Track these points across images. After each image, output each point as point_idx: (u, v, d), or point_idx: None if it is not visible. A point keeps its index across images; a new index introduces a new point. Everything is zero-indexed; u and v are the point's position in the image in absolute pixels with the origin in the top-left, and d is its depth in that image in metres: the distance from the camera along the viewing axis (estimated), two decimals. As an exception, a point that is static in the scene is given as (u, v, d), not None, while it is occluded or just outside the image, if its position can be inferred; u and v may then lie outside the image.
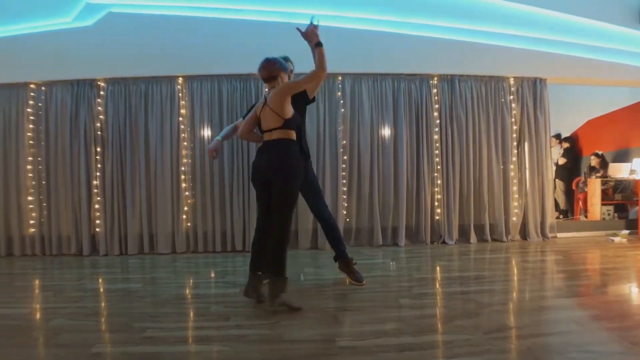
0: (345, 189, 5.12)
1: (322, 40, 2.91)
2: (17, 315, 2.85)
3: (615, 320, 2.57)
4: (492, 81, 5.35)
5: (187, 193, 5.00)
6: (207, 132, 5.02)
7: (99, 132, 4.97)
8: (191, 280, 3.75)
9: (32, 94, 5.05)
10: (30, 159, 5.03)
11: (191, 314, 2.82)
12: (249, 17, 4.95)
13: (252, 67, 4.88)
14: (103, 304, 3.09)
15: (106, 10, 4.88)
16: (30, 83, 5.04)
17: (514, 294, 3.11)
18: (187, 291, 3.42)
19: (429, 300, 3.05)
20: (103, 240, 4.93)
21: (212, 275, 3.98)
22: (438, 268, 3.87)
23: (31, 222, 5.01)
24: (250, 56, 4.93)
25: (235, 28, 4.94)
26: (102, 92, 4.99)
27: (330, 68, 4.94)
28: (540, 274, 3.75)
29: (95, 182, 4.96)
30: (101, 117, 4.98)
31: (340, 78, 5.12)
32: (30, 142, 5.04)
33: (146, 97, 4.99)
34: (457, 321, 2.55)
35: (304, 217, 4.99)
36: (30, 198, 5.01)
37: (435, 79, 5.27)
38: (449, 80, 5.28)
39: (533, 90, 5.43)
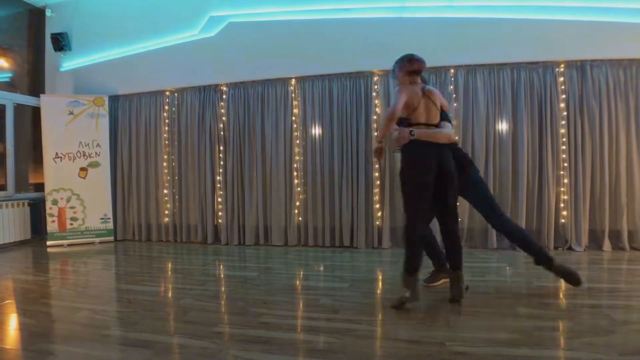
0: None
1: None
2: (154, 292, 3.28)
3: None
4: (634, 65, 4.63)
5: (299, 189, 5.23)
6: (317, 130, 5.19)
7: (221, 132, 5.46)
8: (302, 272, 3.93)
9: (167, 99, 5.73)
10: (165, 157, 5.72)
11: (301, 305, 2.96)
12: (356, 15, 5.00)
13: (360, 65, 5.05)
14: (223, 289, 3.40)
15: (227, 20, 5.34)
16: (166, 90, 5.72)
17: (658, 312, 2.69)
18: (298, 282, 3.59)
19: (551, 311, 2.77)
20: (224, 230, 5.41)
21: (322, 268, 4.12)
22: (562, 279, 3.49)
23: (165, 212, 5.70)
24: (359, 54, 5.04)
25: (343, 27, 5.03)
26: (224, 96, 5.47)
27: (442, 60, 4.87)
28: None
29: (218, 178, 5.47)
30: (223, 118, 5.46)
31: (452, 71, 4.90)
32: (166, 142, 5.73)
33: (262, 99, 5.34)
34: (584, 337, 2.29)
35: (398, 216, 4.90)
36: (165, 191, 5.71)
37: (562, 66, 4.75)
38: (578, 67, 4.71)
39: (687, 73, 4.59)
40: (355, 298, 3.02)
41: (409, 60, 2.93)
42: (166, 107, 5.74)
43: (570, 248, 4.62)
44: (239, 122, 5.41)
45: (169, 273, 4.07)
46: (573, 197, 4.67)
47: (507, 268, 3.93)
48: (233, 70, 5.40)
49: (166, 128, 5.75)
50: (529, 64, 4.78)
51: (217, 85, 5.51)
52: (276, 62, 5.25)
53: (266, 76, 5.32)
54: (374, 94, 5.02)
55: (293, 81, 5.27)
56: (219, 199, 5.47)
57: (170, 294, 3.30)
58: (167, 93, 5.74)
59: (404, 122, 2.88)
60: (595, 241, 4.66)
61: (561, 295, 3.07)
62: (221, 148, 5.48)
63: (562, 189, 4.71)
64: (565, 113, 4.70)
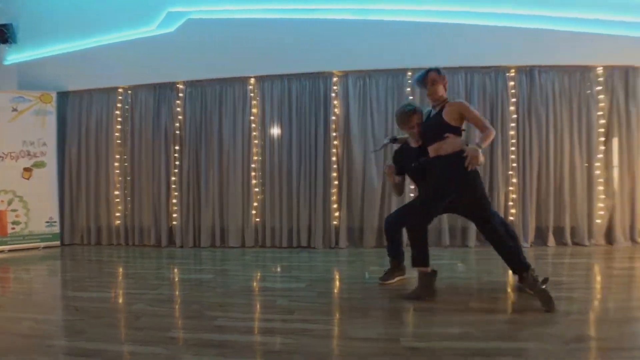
0: (412, 187, 5.01)
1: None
2: (104, 299, 3.13)
3: None
4: (577, 71, 4.93)
5: (256, 189, 5.18)
6: (276, 131, 5.16)
7: (177, 132, 5.31)
8: (259, 274, 3.88)
9: (119, 97, 5.51)
10: (117, 156, 5.50)
11: (258, 306, 2.92)
12: (317, 16, 5.01)
13: (320, 65, 5.06)
14: (178, 292, 3.30)
15: (186, 17, 5.21)
16: (119, 87, 5.50)
17: (597, 303, 2.85)
18: (255, 284, 3.54)
19: (500, 305, 2.89)
20: (179, 232, 5.27)
21: (278, 269, 4.09)
22: (510, 272, 3.63)
23: (117, 214, 5.48)
24: (319, 55, 5.06)
25: (303, 28, 5.03)
26: (180, 94, 5.33)
27: (400, 63, 4.97)
28: (628, 282, 3.39)
29: (173, 178, 5.32)
30: (180, 117, 5.31)
31: (410, 73, 5.01)
32: (118, 141, 5.51)
33: (220, 98, 5.25)
34: (531, 329, 2.39)
35: (369, 215, 4.97)
36: (116, 192, 5.49)
37: (513, 71, 4.97)
38: (527, 72, 4.95)
39: (624, 80, 4.92)
40: (312, 298, 3.01)
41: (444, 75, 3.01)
42: (119, 105, 5.52)
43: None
44: (195, 122, 5.29)
45: (120, 278, 3.90)
46: (521, 196, 4.90)
47: (459, 265, 4.05)
48: (191, 68, 5.27)
49: (118, 127, 5.53)
50: (482, 68, 4.97)
51: (173, 84, 5.36)
52: (235, 61, 5.17)
53: (225, 75, 5.23)
54: (333, 94, 5.05)
55: (252, 80, 5.21)
56: (174, 200, 5.32)
57: (121, 300, 3.16)
58: (121, 90, 5.52)
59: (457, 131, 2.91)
60: (540, 237, 4.91)
61: (509, 290, 3.19)
62: (177, 148, 5.33)
63: (511, 189, 4.93)
64: (515, 116, 4.92)
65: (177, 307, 2.91)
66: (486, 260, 4.25)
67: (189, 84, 5.32)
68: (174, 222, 5.32)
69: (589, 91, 4.93)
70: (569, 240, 4.85)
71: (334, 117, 5.04)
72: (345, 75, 5.05)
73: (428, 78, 2.96)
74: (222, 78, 5.23)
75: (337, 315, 2.69)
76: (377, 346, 2.15)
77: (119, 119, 5.52)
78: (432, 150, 2.95)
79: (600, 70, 4.93)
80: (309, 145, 5.06)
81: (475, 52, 4.92)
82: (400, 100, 4.98)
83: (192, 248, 5.18)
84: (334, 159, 5.04)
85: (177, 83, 5.33)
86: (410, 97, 4.97)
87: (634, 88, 4.90)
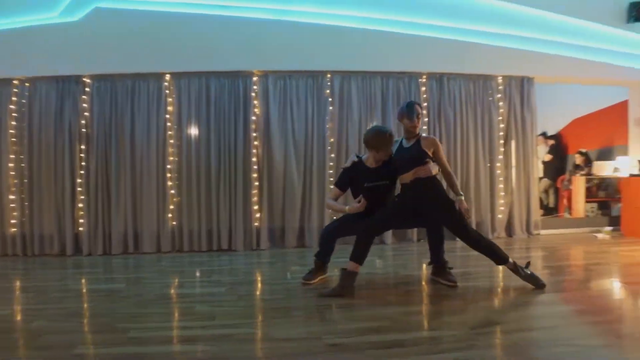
0: (332, 186, 5.11)
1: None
2: (-3, 317, 2.78)
3: (599, 314, 2.60)
4: (481, 80, 5.38)
5: (172, 191, 4.94)
6: (194, 130, 4.97)
7: (83, 130, 4.88)
8: (176, 280, 3.71)
9: (15, 90, 4.93)
10: (12, 156, 4.92)
11: (176, 314, 2.79)
12: (238, 13, 4.91)
13: (240, 64, 4.97)
14: (85, 305, 3.04)
15: (93, 5, 4.80)
16: (14, 79, 4.92)
17: (500, 290, 3.12)
18: (172, 291, 3.38)
19: (416, 297, 3.06)
20: (86, 239, 4.84)
21: (198, 274, 3.94)
22: (424, 265, 3.86)
23: (12, 221, 4.90)
24: (238, 54, 4.97)
25: (222, 25, 4.89)
26: (87, 89, 4.91)
27: (320, 66, 5.05)
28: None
29: (79, 180, 4.87)
30: (86, 114, 4.89)
31: (329, 76, 5.10)
32: (13, 139, 4.93)
33: (132, 94, 4.91)
34: (444, 317, 2.56)
35: (290, 215, 4.98)
36: (12, 197, 4.90)
37: (424, 77, 5.28)
38: (437, 79, 5.30)
39: (520, 89, 5.47)
40: (233, 302, 2.95)
41: None
42: (14, 99, 4.93)
43: (419, 240, 5.12)
44: (104, 119, 4.90)
45: (17, 292, 3.50)
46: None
47: (377, 261, 4.21)
48: (99, 60, 4.84)
49: (13, 123, 4.94)
50: (397, 73, 5.22)
51: (79, 77, 4.90)
52: (149, 56, 4.87)
53: (137, 70, 4.90)
54: (253, 94, 4.98)
55: (167, 77, 4.96)
56: (80, 205, 4.87)
57: (18, 317, 2.83)
58: (16, 82, 4.93)
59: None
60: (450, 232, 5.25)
61: (424, 283, 3.38)
62: (83, 147, 4.90)
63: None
64: (426, 119, 5.23)
65: (84, 321, 2.68)
66: (402, 255, 4.47)
67: (97, 77, 4.91)
68: (81, 229, 4.88)
69: (490, 98, 5.40)
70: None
71: (254, 117, 4.98)
72: (265, 75, 5.01)
73: (416, 110, 3.14)
74: (135, 73, 4.91)
75: (260, 317, 2.67)
76: (300, 345, 2.16)
77: (15, 115, 4.94)
78: (407, 177, 3.09)
79: (500, 79, 5.42)
80: (229, 145, 4.94)
81: (391, 59, 5.16)
82: (321, 102, 5.07)
83: (102, 256, 4.79)
84: (254, 159, 4.98)
85: (84, 76, 4.90)
86: (330, 99, 5.07)
87: (529, 96, 5.47)
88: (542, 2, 5.28)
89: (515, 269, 3.06)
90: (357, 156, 3.41)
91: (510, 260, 3.05)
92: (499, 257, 3.05)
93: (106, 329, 2.46)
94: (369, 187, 3.23)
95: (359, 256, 3.03)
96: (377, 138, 3.21)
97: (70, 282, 3.74)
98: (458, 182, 3.25)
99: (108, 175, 4.89)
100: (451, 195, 3.23)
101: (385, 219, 3.19)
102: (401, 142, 3.21)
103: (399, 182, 3.19)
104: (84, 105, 4.89)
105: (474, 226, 5.22)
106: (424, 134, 3.18)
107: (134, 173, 4.89)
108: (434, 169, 3.12)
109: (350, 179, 3.36)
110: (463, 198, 3.13)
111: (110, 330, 2.45)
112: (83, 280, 3.80)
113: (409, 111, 3.13)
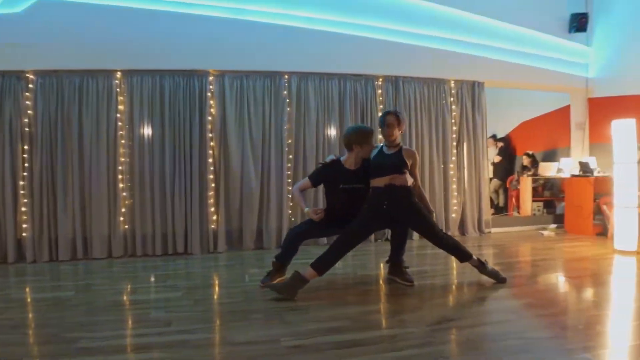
0: (290, 188, 5.10)
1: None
2: None
3: (546, 307, 2.75)
4: (434, 83, 5.54)
5: (124, 194, 4.74)
6: (147, 130, 4.79)
7: (26, 128, 4.59)
8: (129, 286, 3.57)
9: (-53, 85, 4.57)
10: (-56, 157, 4.55)
11: (129, 321, 2.68)
12: (194, 11, 4.80)
13: (195, 63, 4.86)
14: (30, 315, 2.87)
15: (37, -4, 4.53)
16: (-55, 74, 4.56)
17: (455, 287, 3.23)
18: (125, 297, 3.25)
19: (374, 296, 3.11)
20: (30, 245, 4.55)
21: (152, 279, 3.81)
22: (381, 265, 3.92)
23: (-54, 227, 4.54)
24: (194, 52, 4.86)
25: (179, 22, 4.77)
26: (30, 85, 4.62)
27: (277, 66, 5.02)
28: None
29: (21, 183, 4.58)
30: (29, 112, 4.60)
31: (286, 77, 5.08)
32: (-55, 138, 4.57)
33: (80, 92, 4.67)
34: (402, 316, 2.61)
35: (248, 217, 4.92)
36: (-55, 200, 4.54)
37: (380, 80, 5.38)
38: (393, 82, 5.41)
39: (471, 93, 5.69)
40: (190, 307, 2.87)
41: None
42: (-55, 96, 4.58)
43: (387, 239, 5.22)
44: (49, 117, 4.62)
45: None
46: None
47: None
48: (44, 55, 4.57)
49: (-55, 122, 4.58)
50: (354, 75, 5.29)
51: (21, 72, 4.60)
52: (99, 52, 4.64)
53: (86, 66, 4.66)
54: (209, 94, 4.88)
55: (118, 74, 4.76)
56: (23, 208, 4.57)
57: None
58: (-53, 78, 4.58)
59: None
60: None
61: (381, 282, 3.44)
62: (26, 147, 4.60)
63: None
64: (383, 121, 5.32)
65: (29, 332, 2.52)
66: (361, 255, 4.51)
67: (42, 73, 4.64)
68: (24, 234, 4.58)
69: (444, 101, 5.58)
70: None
71: (210, 118, 4.88)
72: (221, 74, 4.92)
73: (386, 120, 3.20)
74: (83, 70, 4.67)
75: (217, 321, 2.62)
76: (259, 349, 2.13)
77: (-53, 113, 4.58)
78: (381, 181, 3.11)
79: (452, 83, 5.62)
80: (184, 145, 4.80)
81: (348, 61, 5.22)
82: (278, 102, 5.04)
83: (48, 262, 4.52)
84: (210, 160, 4.88)
85: (26, 72, 4.62)
86: (287, 100, 5.06)
87: (479, 100, 5.70)
88: (492, 11, 5.56)
89: (479, 265, 3.19)
90: (336, 157, 3.43)
91: (474, 257, 3.17)
92: (463, 254, 3.17)
93: (53, 340, 2.33)
94: (345, 188, 3.24)
95: (322, 266, 3.00)
96: (359, 133, 3.29)
97: (13, 292, 3.51)
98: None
99: (54, 177, 4.62)
100: None
101: (363, 228, 3.20)
102: (382, 148, 3.26)
103: (371, 184, 3.20)
104: (27, 102, 4.60)
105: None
106: (405, 146, 3.25)
107: (82, 174, 4.65)
108: (410, 180, 3.18)
109: (326, 177, 3.35)
110: (434, 215, 3.29)
111: (58, 340, 2.31)
112: (27, 289, 3.58)
113: (380, 121, 3.27)
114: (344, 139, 3.35)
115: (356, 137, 3.25)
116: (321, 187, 3.67)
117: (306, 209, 3.28)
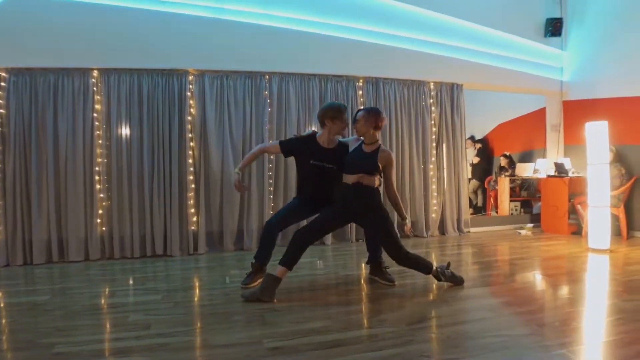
0: (272, 188, 5.09)
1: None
2: None
3: (523, 305, 2.81)
4: (414, 85, 5.61)
5: (101, 195, 4.65)
6: (125, 130, 4.71)
7: (-2, 128, 4.46)
8: (107, 289, 3.50)
9: None
10: None
11: (107, 325, 2.62)
12: (174, 9, 4.74)
13: (174, 62, 4.79)
14: (4, 321, 2.78)
15: (8, -8, 4.40)
16: None
17: (435, 287, 3.27)
18: (103, 301, 3.18)
19: (355, 296, 3.12)
20: (3, 248, 4.41)
21: (131, 282, 3.74)
22: (362, 265, 3.94)
23: None
24: (173, 51, 4.79)
25: (159, 20, 4.70)
26: (3, 84, 4.48)
27: (258, 66, 5.00)
28: (457, 266, 3.97)
29: (-7, 184, 4.45)
30: (1, 111, 4.47)
31: (267, 77, 5.07)
32: None
33: (55, 90, 4.56)
34: (382, 315, 2.63)
35: (228, 218, 4.88)
36: None
37: (361, 81, 5.41)
38: (373, 83, 5.45)
39: (450, 94, 5.77)
40: (169, 309, 2.83)
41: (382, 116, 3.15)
42: None
43: (357, 240, 5.26)
44: (23, 117, 4.49)
45: None
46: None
47: (318, 261, 4.24)
48: (16, 53, 4.43)
49: None
50: (335, 76, 5.30)
51: (-8, 71, 4.48)
52: (74, 49, 4.54)
53: (61, 64, 4.55)
54: (189, 93, 4.83)
55: (95, 73, 4.66)
56: (-5, 210, 4.45)
57: None
58: None
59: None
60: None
61: (363, 282, 3.46)
62: (-2, 148, 4.48)
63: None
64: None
65: (3, 338, 2.44)
66: (342, 256, 4.53)
67: (14, 71, 4.51)
68: (-5, 236, 4.45)
69: (423, 103, 5.64)
70: (409, 233, 5.46)
71: (189, 117, 4.82)
72: (201, 74, 4.87)
73: (357, 115, 3.20)
74: (58, 67, 4.56)
75: (198, 324, 2.58)
76: (240, 351, 2.12)
77: None
78: (350, 178, 3.08)
79: (432, 85, 5.69)
80: (163, 146, 4.73)
81: (329, 62, 5.24)
82: (259, 103, 5.02)
83: (22, 266, 4.39)
84: (190, 161, 4.82)
85: (-2, 70, 4.49)
86: (268, 101, 5.04)
87: (458, 102, 5.79)
88: (472, 15, 5.68)
89: (436, 275, 3.21)
90: (315, 132, 3.45)
91: (433, 267, 3.20)
92: (424, 268, 3.18)
93: (28, 346, 2.26)
94: (315, 165, 3.23)
95: (289, 261, 2.97)
96: (330, 107, 3.30)
97: (-17, 296, 3.40)
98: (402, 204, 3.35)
99: (28, 178, 4.50)
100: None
101: (325, 223, 3.16)
102: (361, 144, 3.23)
103: (343, 179, 3.17)
104: (0, 101, 4.47)
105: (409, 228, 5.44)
106: (384, 146, 3.20)
107: (57, 175, 4.54)
108: (377, 182, 3.16)
109: (298, 149, 3.34)
110: (408, 221, 3.28)
111: (33, 346, 2.25)
112: (1, 294, 3.46)
113: (353, 117, 3.31)
114: (318, 113, 3.38)
115: (327, 111, 3.28)
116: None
117: (237, 170, 3.26)
